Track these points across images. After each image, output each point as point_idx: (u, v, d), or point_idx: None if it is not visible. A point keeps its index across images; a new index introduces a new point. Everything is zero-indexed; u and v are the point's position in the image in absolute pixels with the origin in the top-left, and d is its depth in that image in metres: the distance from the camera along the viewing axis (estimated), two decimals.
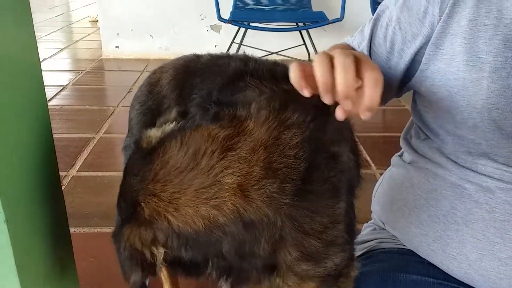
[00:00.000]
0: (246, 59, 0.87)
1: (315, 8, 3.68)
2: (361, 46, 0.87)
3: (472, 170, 0.78)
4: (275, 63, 0.85)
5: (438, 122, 0.82)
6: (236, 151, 0.60)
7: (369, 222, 1.04)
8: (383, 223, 0.97)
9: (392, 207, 0.91)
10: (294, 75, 0.58)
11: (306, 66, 0.59)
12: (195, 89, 0.89)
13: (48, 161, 0.84)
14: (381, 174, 1.06)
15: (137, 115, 1.02)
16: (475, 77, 0.71)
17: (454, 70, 0.74)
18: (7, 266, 0.65)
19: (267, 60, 0.88)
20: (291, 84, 0.60)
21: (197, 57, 0.98)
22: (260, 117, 0.63)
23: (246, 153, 0.60)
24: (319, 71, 0.57)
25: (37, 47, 0.75)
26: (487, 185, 0.76)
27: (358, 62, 0.58)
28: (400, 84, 0.85)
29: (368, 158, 2.26)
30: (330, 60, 0.57)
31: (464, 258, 0.78)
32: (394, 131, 2.37)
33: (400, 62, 0.82)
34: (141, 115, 1.01)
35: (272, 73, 0.77)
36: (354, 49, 0.89)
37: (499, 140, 0.73)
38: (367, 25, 0.89)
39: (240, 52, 3.58)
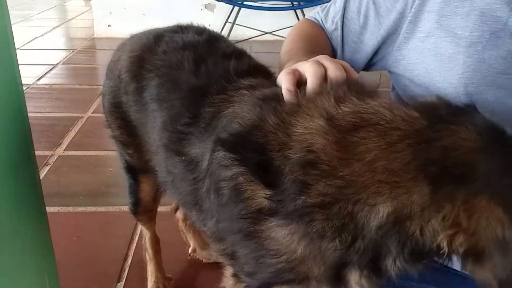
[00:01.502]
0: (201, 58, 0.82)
1: None
2: (335, 19, 0.88)
3: None
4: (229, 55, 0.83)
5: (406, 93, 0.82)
6: None
7: None
8: None
9: None
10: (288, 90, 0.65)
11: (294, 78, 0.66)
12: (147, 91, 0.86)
13: (20, 140, 0.83)
14: None
15: (106, 89, 1.03)
16: (451, 52, 0.71)
17: (431, 47, 0.73)
18: None
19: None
20: None
21: (154, 44, 0.91)
22: None
23: None
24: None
25: (9, 28, 0.75)
26: None
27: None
28: (371, 59, 0.85)
29: None
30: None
31: None
32: None
33: (373, 38, 0.82)
34: (108, 90, 1.02)
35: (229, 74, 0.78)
36: (325, 28, 0.91)
37: None
38: (337, 0, 0.89)
39: (234, 32, 3.55)
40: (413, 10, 0.76)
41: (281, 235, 0.59)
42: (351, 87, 0.62)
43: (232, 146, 0.63)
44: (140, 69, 0.88)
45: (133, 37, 1.00)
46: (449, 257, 0.53)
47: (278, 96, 0.66)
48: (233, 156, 0.62)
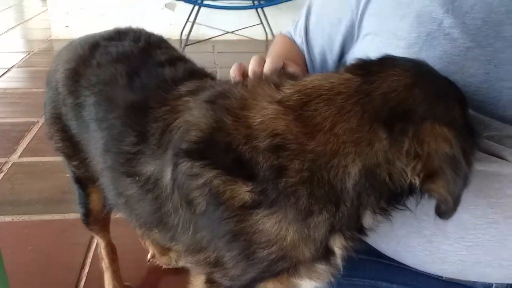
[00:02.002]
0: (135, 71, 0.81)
1: None
2: (301, 33, 0.95)
3: None
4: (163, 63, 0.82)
5: None
6: None
7: None
8: None
9: None
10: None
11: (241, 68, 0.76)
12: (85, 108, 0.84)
13: None
14: None
15: (46, 99, 0.99)
16: (392, 53, 0.73)
17: (374, 48, 0.75)
18: None
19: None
20: None
21: (89, 55, 0.87)
22: None
23: None
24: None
25: None
26: None
27: None
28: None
29: None
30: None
31: (393, 235, 0.78)
32: None
33: (334, 45, 0.88)
34: (48, 100, 0.98)
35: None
36: (295, 42, 0.99)
37: None
38: (302, 16, 0.96)
39: (196, 32, 3.52)
40: (359, 15, 0.80)
41: (269, 225, 0.60)
42: (282, 75, 0.68)
43: (199, 153, 0.63)
44: (76, 84, 0.85)
45: (70, 45, 0.96)
46: (423, 193, 0.60)
47: (224, 95, 0.67)
48: (202, 163, 0.62)
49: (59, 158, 1.97)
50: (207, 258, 0.68)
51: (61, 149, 1.00)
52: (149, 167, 0.71)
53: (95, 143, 0.81)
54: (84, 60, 0.87)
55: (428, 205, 0.75)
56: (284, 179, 0.58)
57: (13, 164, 1.96)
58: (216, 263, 0.67)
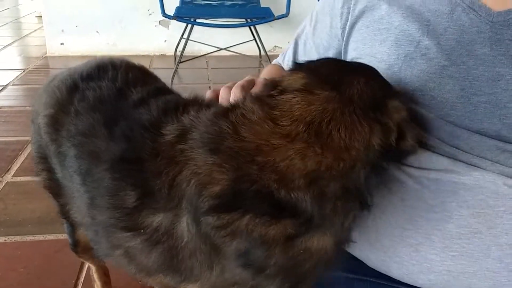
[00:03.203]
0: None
1: (263, 3, 3.67)
2: (289, 63, 1.00)
3: None
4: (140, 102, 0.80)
5: None
6: None
7: None
8: None
9: None
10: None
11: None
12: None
13: None
14: None
15: (32, 135, 0.97)
16: None
17: None
18: None
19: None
20: None
21: (68, 99, 0.84)
22: None
23: None
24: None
25: None
26: (398, 174, 0.80)
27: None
28: None
29: None
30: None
31: (379, 245, 0.81)
32: None
33: None
34: (33, 138, 0.96)
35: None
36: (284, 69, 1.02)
37: None
38: (290, 46, 1.01)
39: (190, 48, 3.55)
40: (344, 41, 0.86)
41: (315, 243, 0.64)
42: (264, 105, 0.67)
43: (224, 206, 0.62)
44: (57, 133, 0.82)
45: (49, 86, 0.91)
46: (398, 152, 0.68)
47: (220, 137, 0.65)
48: (231, 214, 0.62)
49: None
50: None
51: (47, 187, 0.95)
52: (155, 219, 0.69)
53: (80, 196, 0.78)
54: (63, 106, 0.83)
55: (411, 213, 0.77)
56: (326, 204, 0.62)
57: (7, 183, 1.97)
58: None
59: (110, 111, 0.78)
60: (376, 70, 0.73)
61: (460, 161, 0.75)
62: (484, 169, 0.74)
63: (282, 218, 0.61)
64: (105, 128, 0.75)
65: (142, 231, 0.69)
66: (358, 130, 0.63)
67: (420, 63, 0.75)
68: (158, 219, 0.68)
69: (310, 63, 0.74)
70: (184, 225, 0.66)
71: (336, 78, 0.67)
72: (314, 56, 0.93)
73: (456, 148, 0.76)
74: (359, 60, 0.82)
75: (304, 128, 0.63)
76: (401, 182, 0.79)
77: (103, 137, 0.74)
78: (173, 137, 0.70)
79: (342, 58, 0.88)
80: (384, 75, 0.73)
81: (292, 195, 0.61)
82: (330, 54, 0.89)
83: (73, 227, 1.05)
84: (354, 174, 0.63)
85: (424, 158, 0.78)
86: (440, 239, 0.75)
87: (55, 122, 0.83)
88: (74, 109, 0.81)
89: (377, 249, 0.81)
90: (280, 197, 0.60)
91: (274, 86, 0.69)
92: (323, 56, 0.90)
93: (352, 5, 0.86)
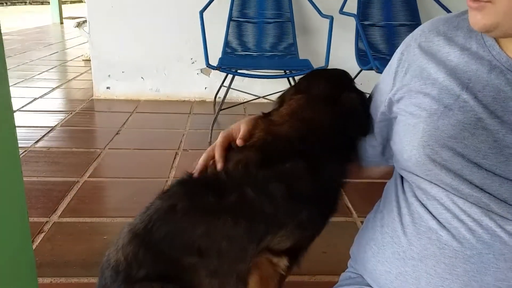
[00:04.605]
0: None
1: (301, 55, 3.78)
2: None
3: (426, 208, 0.87)
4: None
5: (396, 163, 0.99)
6: None
7: (346, 270, 1.09)
8: (356, 265, 1.03)
9: (365, 247, 0.99)
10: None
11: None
12: None
13: (15, 207, 0.82)
14: (362, 222, 1.10)
15: None
16: (415, 121, 0.88)
17: (403, 118, 0.92)
18: None
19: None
20: None
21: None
22: None
23: None
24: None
25: (7, 91, 0.76)
26: (431, 224, 0.85)
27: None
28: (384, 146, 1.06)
29: (350, 205, 2.28)
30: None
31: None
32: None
33: (379, 125, 1.03)
34: None
35: None
36: None
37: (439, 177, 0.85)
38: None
39: (230, 95, 3.66)
40: (395, 97, 0.95)
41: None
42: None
43: None
44: None
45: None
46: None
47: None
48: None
49: (98, 219, 2.08)
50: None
51: None
52: None
53: None
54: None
55: (451, 265, 0.81)
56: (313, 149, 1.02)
57: (54, 224, 2.04)
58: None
59: None
60: (341, 75, 1.14)
61: (492, 211, 0.80)
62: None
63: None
64: None
65: None
66: (318, 112, 1.03)
67: (457, 113, 0.83)
68: None
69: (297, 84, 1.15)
70: None
71: (307, 85, 1.10)
72: (373, 107, 1.04)
73: (489, 193, 0.80)
74: (405, 110, 0.92)
75: (288, 117, 1.04)
76: (437, 233, 0.84)
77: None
78: None
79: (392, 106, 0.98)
80: (424, 123, 0.85)
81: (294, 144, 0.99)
82: (382, 107, 1.01)
83: None
84: (320, 132, 1.01)
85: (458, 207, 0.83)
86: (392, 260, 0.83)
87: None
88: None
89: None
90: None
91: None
92: (377, 108, 1.03)
93: (405, 68, 0.95)
